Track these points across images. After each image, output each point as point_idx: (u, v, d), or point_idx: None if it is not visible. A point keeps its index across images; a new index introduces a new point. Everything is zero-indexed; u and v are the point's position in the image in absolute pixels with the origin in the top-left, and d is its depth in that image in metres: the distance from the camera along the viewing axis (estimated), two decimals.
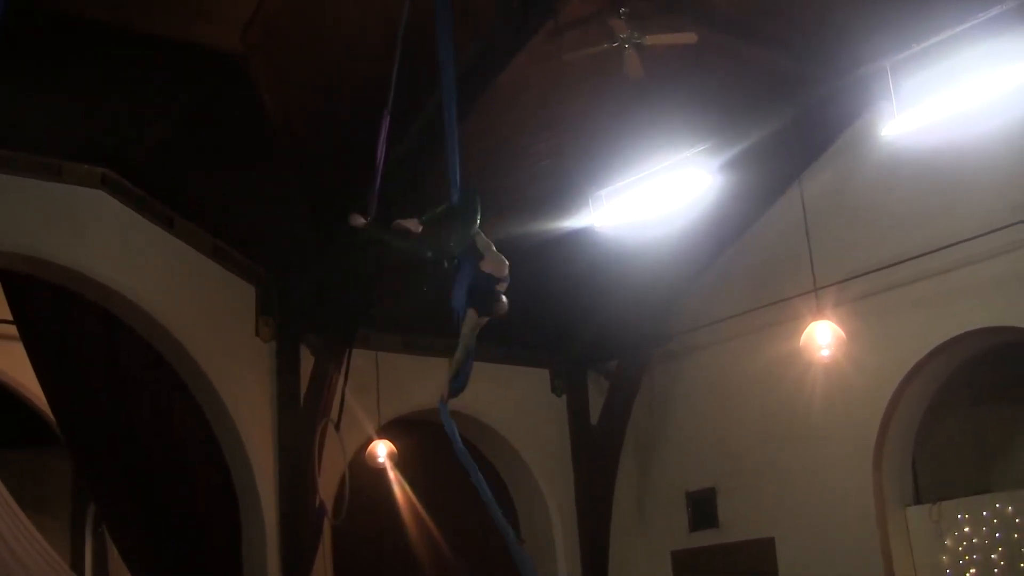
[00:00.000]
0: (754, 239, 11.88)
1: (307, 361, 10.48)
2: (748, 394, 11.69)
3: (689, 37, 8.86)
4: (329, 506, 10.16)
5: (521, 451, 12.26)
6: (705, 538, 12.07)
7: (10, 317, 9.87)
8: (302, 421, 10.25)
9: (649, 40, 8.80)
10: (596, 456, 12.52)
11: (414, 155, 8.73)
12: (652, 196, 9.10)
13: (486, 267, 5.78)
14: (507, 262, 5.82)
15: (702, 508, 12.11)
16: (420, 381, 11.21)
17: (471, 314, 5.77)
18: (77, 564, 13.36)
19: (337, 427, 9.79)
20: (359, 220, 6.17)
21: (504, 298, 5.82)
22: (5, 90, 8.51)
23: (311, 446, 10.01)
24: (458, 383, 5.97)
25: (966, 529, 10.37)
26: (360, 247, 9.22)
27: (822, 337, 9.62)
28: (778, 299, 11.13)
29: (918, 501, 10.84)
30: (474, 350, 5.85)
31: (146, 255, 9.84)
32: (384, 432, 10.98)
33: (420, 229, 6.03)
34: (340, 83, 8.95)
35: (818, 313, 9.91)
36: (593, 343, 12.58)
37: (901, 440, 10.81)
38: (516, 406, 12.35)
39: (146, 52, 8.53)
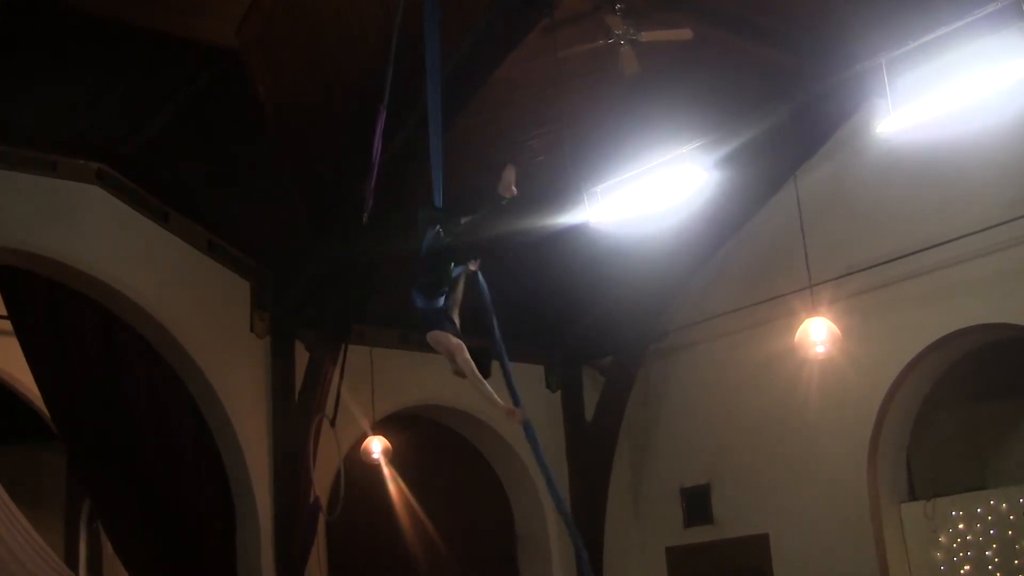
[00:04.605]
0: (750, 235, 11.87)
1: (302, 356, 10.48)
2: (743, 390, 11.69)
3: (684, 33, 8.86)
4: (324, 502, 10.17)
5: (516, 446, 12.23)
6: (699, 534, 12.07)
7: (5, 312, 9.85)
8: (297, 416, 10.24)
9: (645, 36, 8.79)
10: (591, 452, 12.50)
11: (410, 149, 8.71)
12: (648, 192, 9.07)
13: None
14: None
15: (697, 504, 12.11)
16: (416, 377, 11.20)
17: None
18: (71, 560, 13.34)
19: (332, 423, 9.80)
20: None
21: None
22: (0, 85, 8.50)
23: (306, 441, 10.00)
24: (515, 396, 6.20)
25: (960, 526, 10.37)
26: (355, 242, 9.19)
27: (817, 333, 9.64)
28: (773, 295, 11.14)
29: (913, 497, 10.84)
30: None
31: (141, 250, 9.83)
32: (379, 428, 10.97)
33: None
34: (336, 77, 8.94)
35: (813, 309, 9.92)
36: (588, 339, 12.57)
37: (896, 436, 10.81)
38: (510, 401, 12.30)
39: (141, 46, 8.51)
